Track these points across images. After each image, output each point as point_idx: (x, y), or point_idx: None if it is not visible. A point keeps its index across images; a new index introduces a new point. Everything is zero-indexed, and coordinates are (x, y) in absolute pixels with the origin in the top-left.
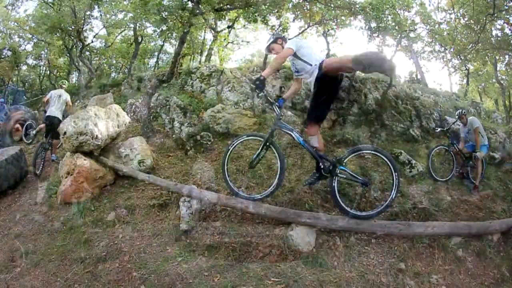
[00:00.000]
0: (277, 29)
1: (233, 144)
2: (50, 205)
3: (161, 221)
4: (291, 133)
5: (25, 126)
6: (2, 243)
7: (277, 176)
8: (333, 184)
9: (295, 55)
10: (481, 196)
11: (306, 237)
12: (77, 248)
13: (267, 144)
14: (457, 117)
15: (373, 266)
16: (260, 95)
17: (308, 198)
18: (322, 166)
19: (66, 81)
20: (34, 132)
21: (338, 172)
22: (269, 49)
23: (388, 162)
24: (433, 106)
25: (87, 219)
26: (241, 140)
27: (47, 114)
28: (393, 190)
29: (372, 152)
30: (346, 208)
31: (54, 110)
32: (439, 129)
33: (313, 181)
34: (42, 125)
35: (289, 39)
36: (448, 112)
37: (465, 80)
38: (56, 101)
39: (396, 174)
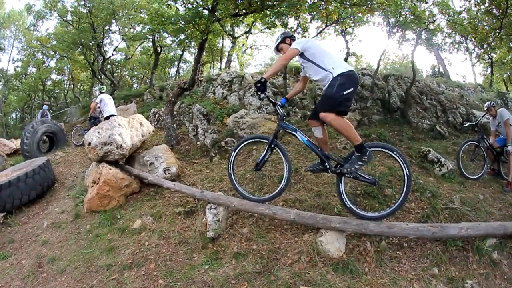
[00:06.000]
0: (296, 30)
1: (236, 149)
2: (77, 214)
3: (188, 228)
4: (295, 133)
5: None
6: (30, 249)
7: (284, 178)
8: (340, 184)
9: (302, 55)
10: None
11: (336, 243)
12: (103, 255)
13: (272, 145)
14: (485, 109)
15: (405, 272)
16: (262, 96)
17: (336, 202)
18: (328, 166)
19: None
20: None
21: (344, 171)
22: (277, 49)
23: (389, 152)
24: (459, 100)
25: (113, 227)
26: (244, 143)
27: (109, 114)
28: (405, 181)
29: (375, 149)
30: (353, 208)
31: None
32: (467, 124)
33: (315, 170)
34: None
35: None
36: (475, 105)
37: (489, 70)
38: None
39: (401, 158)
